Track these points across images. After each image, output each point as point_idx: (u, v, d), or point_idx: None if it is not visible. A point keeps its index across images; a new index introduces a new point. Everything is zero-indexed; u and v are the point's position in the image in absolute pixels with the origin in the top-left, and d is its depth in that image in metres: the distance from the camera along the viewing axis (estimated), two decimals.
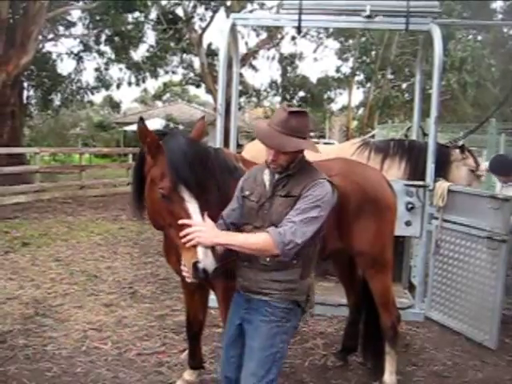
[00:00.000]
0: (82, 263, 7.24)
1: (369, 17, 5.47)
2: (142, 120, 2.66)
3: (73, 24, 22.71)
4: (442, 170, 5.59)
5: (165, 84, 39.27)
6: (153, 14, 24.09)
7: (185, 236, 2.42)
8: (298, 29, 5.81)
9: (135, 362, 4.18)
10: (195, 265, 2.44)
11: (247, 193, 2.68)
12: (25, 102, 21.35)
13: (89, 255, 7.71)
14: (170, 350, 4.45)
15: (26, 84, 21.22)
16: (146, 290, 6.14)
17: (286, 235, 2.36)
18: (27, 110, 23.10)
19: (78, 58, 22.13)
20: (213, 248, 2.46)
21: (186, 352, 3.98)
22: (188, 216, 2.51)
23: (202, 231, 2.42)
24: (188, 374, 3.79)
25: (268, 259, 2.53)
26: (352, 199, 3.42)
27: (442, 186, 5.08)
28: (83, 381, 3.85)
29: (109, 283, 6.30)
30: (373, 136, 9.05)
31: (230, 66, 5.81)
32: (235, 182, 2.85)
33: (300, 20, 5.58)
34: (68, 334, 4.70)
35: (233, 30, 5.92)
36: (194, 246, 2.42)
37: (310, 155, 2.64)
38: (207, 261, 2.43)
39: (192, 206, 2.54)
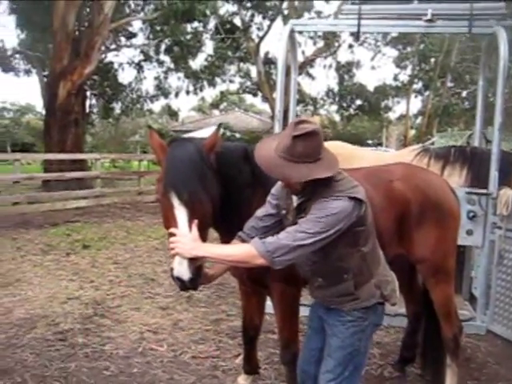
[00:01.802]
0: (139, 266, 7.38)
1: (430, 21, 5.35)
2: (149, 127, 2.81)
3: (134, 35, 23.40)
4: (506, 178, 5.37)
5: (222, 93, 39.87)
6: (211, 24, 24.53)
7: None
8: (357, 34, 5.74)
9: (190, 365, 4.20)
10: (172, 271, 2.47)
11: (284, 212, 2.62)
12: (87, 110, 22.12)
13: (146, 259, 7.85)
14: (224, 354, 4.45)
15: (88, 93, 21.95)
16: (201, 294, 6.17)
17: (272, 244, 2.30)
18: (89, 118, 23.92)
19: (139, 68, 22.73)
20: (193, 259, 2.42)
21: (241, 357, 3.97)
22: (175, 223, 2.49)
23: (181, 242, 2.40)
24: (242, 379, 3.77)
25: (320, 279, 2.56)
26: (413, 204, 3.32)
27: (507, 194, 4.87)
28: (139, 381, 3.90)
29: (165, 287, 6.38)
30: (432, 143, 8.81)
31: (287, 73, 5.81)
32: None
33: (359, 25, 5.52)
34: (125, 334, 4.79)
35: (291, 36, 5.91)
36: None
37: (370, 160, 2.56)
38: (181, 269, 2.43)
39: (180, 213, 2.49)
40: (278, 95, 5.62)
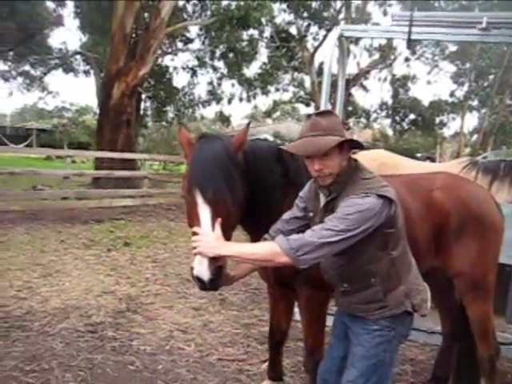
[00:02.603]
0: (176, 266, 7.40)
1: (485, 29, 5.14)
2: (180, 123, 2.86)
3: (191, 40, 23.75)
4: None
5: (275, 102, 39.98)
6: (267, 32, 24.61)
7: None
8: (408, 41, 5.59)
9: (215, 367, 4.15)
10: (191, 271, 2.42)
11: (311, 214, 2.55)
12: (141, 112, 22.58)
13: (184, 259, 7.86)
14: (251, 358, 4.38)
15: (143, 96, 22.40)
16: (235, 297, 6.12)
17: (296, 241, 2.22)
18: (143, 120, 24.39)
19: (193, 72, 23.04)
20: (214, 259, 2.36)
21: (268, 363, 3.89)
22: (198, 221, 2.44)
23: (203, 241, 2.34)
24: None
25: (345, 285, 2.46)
26: (453, 214, 3.17)
27: None
28: (163, 378, 3.87)
29: None
30: (484, 158, 8.49)
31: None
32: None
33: (410, 32, 5.37)
34: (155, 331, 4.78)
35: (340, 41, 5.81)
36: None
37: (414, 171, 2.46)
38: (201, 269, 2.37)
39: (204, 211, 2.43)
40: (322, 101, 5.52)
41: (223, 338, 4.79)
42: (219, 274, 2.42)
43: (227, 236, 2.50)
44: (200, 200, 2.44)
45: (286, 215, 2.66)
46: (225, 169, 2.50)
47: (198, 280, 2.41)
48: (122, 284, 6.26)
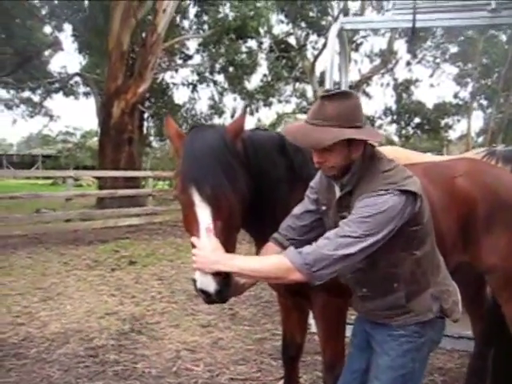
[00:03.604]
0: (184, 283, 7.07)
1: (494, 10, 4.84)
2: (167, 114, 2.45)
3: (190, 57, 23.65)
4: None
5: (278, 114, 39.81)
6: (266, 44, 24.48)
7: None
8: (413, 30, 5.30)
9: None
10: (194, 283, 2.09)
11: (324, 208, 2.21)
12: (145, 131, 22.41)
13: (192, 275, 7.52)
14: (266, 376, 4.03)
15: (146, 114, 22.25)
16: (247, 311, 5.79)
17: (311, 255, 1.88)
18: (147, 139, 24.24)
19: (193, 88, 22.89)
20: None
21: (283, 380, 3.53)
22: (197, 224, 2.08)
23: (199, 256, 2.02)
24: None
25: (364, 289, 2.13)
26: (481, 203, 2.82)
27: None
28: None
29: None
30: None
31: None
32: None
33: (414, 20, 5.08)
34: (160, 352, 4.45)
35: (341, 35, 5.52)
36: None
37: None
38: (205, 281, 2.04)
39: (202, 211, 2.09)
40: None
41: (234, 355, 4.44)
42: (227, 284, 2.08)
43: (232, 239, 2.20)
44: (197, 198, 2.10)
45: (297, 209, 2.33)
46: (223, 159, 2.16)
47: (203, 293, 2.07)
48: (126, 304, 5.93)
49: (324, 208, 2.22)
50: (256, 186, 2.39)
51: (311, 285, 1.94)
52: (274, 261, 1.99)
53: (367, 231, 1.85)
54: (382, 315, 2.13)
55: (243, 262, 2.01)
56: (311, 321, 3.63)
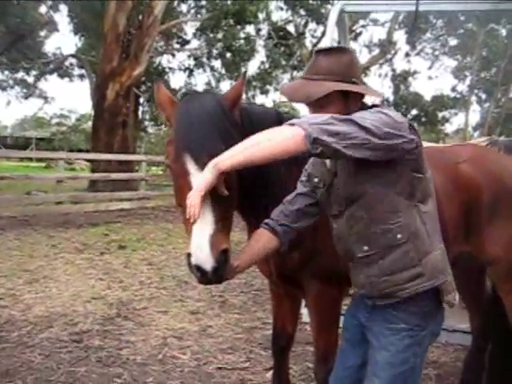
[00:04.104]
0: (174, 268, 6.93)
1: None
2: (157, 80, 2.27)
3: (187, 42, 23.36)
4: None
5: (274, 102, 39.52)
6: (264, 30, 24.22)
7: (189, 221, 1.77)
8: (416, 13, 5.12)
9: (213, 377, 3.66)
10: (188, 259, 1.85)
11: (316, 180, 2.06)
12: (140, 116, 22.19)
13: (183, 261, 7.35)
14: (254, 366, 3.89)
15: (141, 99, 22.01)
16: (237, 299, 5.65)
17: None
18: (142, 123, 24.01)
19: (190, 72, 22.63)
20: (218, 241, 1.83)
21: (272, 371, 3.40)
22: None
23: (192, 194, 1.72)
24: None
25: (365, 247, 1.89)
26: (485, 191, 2.68)
27: None
28: None
29: (199, 290, 5.87)
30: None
31: None
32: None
33: (418, 3, 4.90)
34: (146, 339, 4.30)
35: (341, 18, 5.34)
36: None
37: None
38: (202, 256, 1.80)
39: (197, 181, 1.80)
40: None
41: (223, 344, 4.30)
42: (225, 260, 1.87)
43: (228, 215, 2.00)
44: (192, 167, 1.90)
45: (289, 196, 2.16)
46: (221, 126, 1.98)
47: (198, 270, 1.84)
48: (113, 288, 5.78)
49: (316, 180, 2.07)
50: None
51: (306, 144, 1.64)
52: (290, 130, 1.69)
53: (369, 125, 1.69)
54: (391, 282, 1.88)
55: (245, 145, 1.70)
56: (303, 310, 3.49)
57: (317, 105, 1.89)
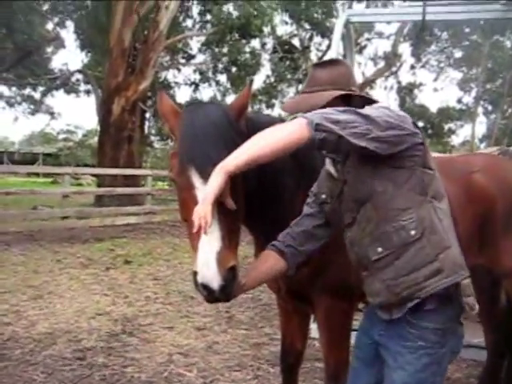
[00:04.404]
0: (180, 283, 6.84)
1: (508, 3, 4.61)
2: (160, 89, 2.27)
3: (193, 56, 23.45)
4: None
5: (279, 115, 39.61)
6: (269, 44, 24.31)
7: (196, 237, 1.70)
8: (423, 23, 5.08)
9: None
10: (194, 277, 1.76)
11: (324, 196, 2.03)
12: (146, 131, 22.21)
13: (189, 276, 7.27)
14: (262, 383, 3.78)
15: (147, 114, 22.02)
16: (244, 315, 5.55)
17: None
18: (148, 138, 24.03)
19: (195, 87, 22.70)
20: (226, 258, 1.74)
21: None
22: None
23: (199, 208, 1.63)
24: None
25: (379, 249, 1.79)
26: (500, 201, 2.60)
27: None
28: None
29: (205, 305, 5.75)
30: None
31: None
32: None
33: (424, 12, 4.85)
34: (152, 356, 4.21)
35: (347, 28, 5.30)
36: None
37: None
38: (208, 274, 1.71)
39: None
40: None
41: (230, 360, 4.20)
42: (233, 278, 1.78)
43: (236, 228, 1.90)
44: (197, 181, 1.81)
45: (296, 219, 2.11)
46: (227, 137, 1.89)
47: (205, 288, 1.75)
48: (118, 304, 5.69)
49: (324, 196, 2.03)
50: (259, 174, 2.13)
51: (310, 132, 1.62)
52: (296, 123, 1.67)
53: (374, 117, 1.70)
54: (408, 283, 1.77)
55: (250, 145, 1.66)
56: (311, 325, 3.39)
57: None
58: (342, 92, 1.90)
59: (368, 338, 2.01)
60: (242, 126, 2.07)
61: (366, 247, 1.86)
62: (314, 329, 3.97)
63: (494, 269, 2.72)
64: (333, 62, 2.02)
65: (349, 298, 2.39)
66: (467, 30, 25.76)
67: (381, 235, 1.80)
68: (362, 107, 1.94)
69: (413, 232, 1.75)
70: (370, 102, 1.98)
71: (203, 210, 1.61)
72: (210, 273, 1.72)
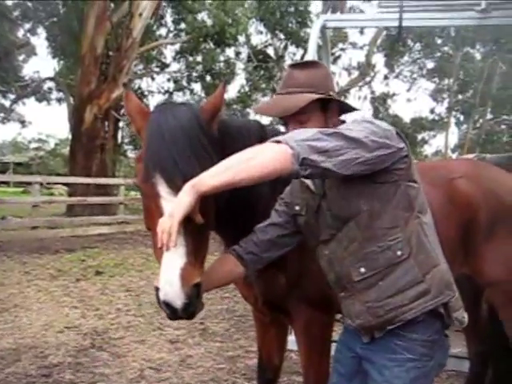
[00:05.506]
0: (152, 295, 6.55)
1: (484, 11, 4.59)
2: (125, 85, 2.15)
3: (167, 65, 23.29)
4: None
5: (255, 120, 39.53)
6: (244, 54, 24.28)
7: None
8: (399, 29, 5.05)
9: None
10: (157, 293, 1.65)
11: (297, 208, 1.90)
12: (119, 140, 21.90)
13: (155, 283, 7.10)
14: None
15: (121, 123, 21.74)
16: (218, 326, 5.39)
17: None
18: (121, 148, 23.70)
19: (169, 95, 22.52)
20: (189, 275, 1.62)
21: None
22: (160, 218, 1.59)
23: (163, 222, 1.52)
24: None
25: (362, 269, 1.69)
26: (483, 209, 2.52)
27: None
28: None
29: None
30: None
31: None
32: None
33: (401, 18, 4.80)
34: (122, 371, 4.02)
35: (323, 33, 5.23)
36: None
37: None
38: (170, 291, 1.60)
39: (169, 205, 1.65)
40: None
41: (204, 375, 4.04)
42: (197, 295, 1.67)
43: (203, 239, 1.79)
44: (163, 190, 1.69)
45: (261, 224, 1.99)
46: (197, 143, 1.77)
47: (168, 307, 1.64)
48: (88, 317, 5.48)
49: (297, 208, 1.91)
50: None
51: (294, 164, 1.49)
52: (276, 149, 1.52)
53: (357, 135, 1.58)
54: (394, 305, 1.67)
55: (226, 166, 1.51)
56: (288, 337, 3.27)
57: (295, 120, 1.79)
58: (322, 96, 1.80)
59: (349, 351, 1.89)
60: (215, 130, 1.94)
61: (347, 267, 1.75)
62: (291, 341, 3.84)
63: (477, 278, 2.64)
64: (312, 64, 1.92)
65: (328, 308, 2.28)
66: (439, 41, 26.19)
67: (365, 255, 1.70)
68: (340, 113, 1.90)
69: (399, 252, 1.67)
70: (350, 109, 1.94)
71: (168, 226, 1.49)
72: (172, 290, 1.61)
